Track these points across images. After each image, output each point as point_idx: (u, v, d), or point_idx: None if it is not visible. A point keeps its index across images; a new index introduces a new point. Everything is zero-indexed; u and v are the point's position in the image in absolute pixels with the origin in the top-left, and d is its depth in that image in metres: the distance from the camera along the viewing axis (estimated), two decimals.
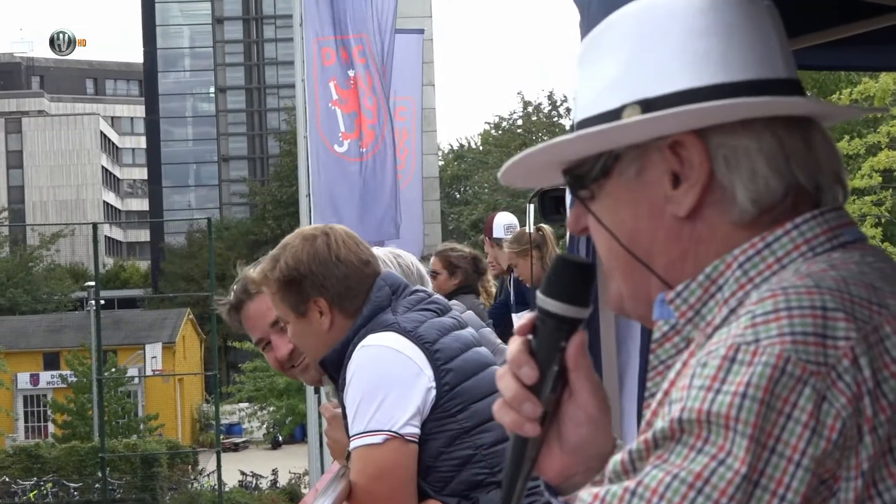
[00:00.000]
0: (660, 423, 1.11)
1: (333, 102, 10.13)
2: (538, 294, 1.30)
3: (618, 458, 1.15)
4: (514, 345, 1.30)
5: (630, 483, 1.10)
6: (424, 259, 7.30)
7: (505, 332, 6.21)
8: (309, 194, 10.22)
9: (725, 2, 1.27)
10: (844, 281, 1.14)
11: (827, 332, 1.08)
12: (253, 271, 3.11)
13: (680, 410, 1.09)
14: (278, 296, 2.95)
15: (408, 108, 12.08)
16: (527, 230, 6.88)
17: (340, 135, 10.10)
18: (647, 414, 1.24)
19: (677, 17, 1.27)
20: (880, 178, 21.45)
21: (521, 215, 5.35)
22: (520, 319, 5.37)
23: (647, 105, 1.24)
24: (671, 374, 1.18)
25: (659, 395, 1.17)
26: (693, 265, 1.25)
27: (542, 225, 6.50)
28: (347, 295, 2.90)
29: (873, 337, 1.10)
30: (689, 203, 1.24)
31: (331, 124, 10.10)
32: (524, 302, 6.95)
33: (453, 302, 3.57)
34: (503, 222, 7.59)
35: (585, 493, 1.14)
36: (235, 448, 43.61)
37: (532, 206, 5.26)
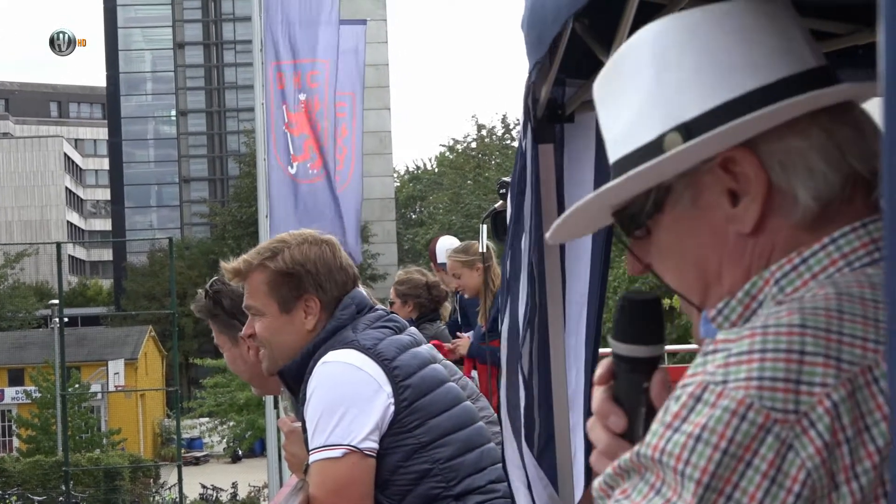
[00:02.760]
0: (626, 455, 1.09)
1: (285, 125, 10.32)
2: (611, 340, 1.25)
3: (598, 480, 1.14)
4: (598, 394, 1.26)
5: None
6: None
7: None
8: (268, 215, 10.32)
9: (737, 6, 1.22)
10: (840, 316, 1.06)
11: (802, 377, 1.02)
12: (233, 262, 3.01)
13: (643, 445, 1.07)
14: (268, 286, 2.91)
15: (348, 104, 11.43)
16: (474, 243, 6.66)
17: (291, 157, 10.32)
18: None
19: (693, 33, 1.21)
20: None
21: (476, 235, 5.56)
22: (461, 339, 6.57)
23: (687, 129, 1.19)
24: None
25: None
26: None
27: (488, 244, 5.98)
28: (337, 303, 2.91)
29: (861, 379, 1.02)
30: (753, 217, 1.18)
31: (283, 147, 10.33)
32: (468, 322, 6.87)
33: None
34: (445, 246, 7.29)
35: None
36: (196, 462, 43.50)
37: (485, 226, 5.33)
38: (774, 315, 1.08)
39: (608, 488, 1.12)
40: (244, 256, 2.97)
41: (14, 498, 31.57)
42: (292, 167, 10.27)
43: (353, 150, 11.73)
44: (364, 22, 12.38)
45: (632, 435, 1.24)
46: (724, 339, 1.08)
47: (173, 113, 78.35)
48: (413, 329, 3.05)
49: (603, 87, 1.30)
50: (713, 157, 1.19)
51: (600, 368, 1.27)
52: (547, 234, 1.38)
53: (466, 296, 6.83)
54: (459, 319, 7.07)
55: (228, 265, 2.99)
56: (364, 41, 12.10)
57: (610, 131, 1.28)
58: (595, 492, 1.16)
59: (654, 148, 1.21)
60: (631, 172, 1.20)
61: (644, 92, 1.23)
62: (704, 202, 1.21)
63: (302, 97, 10.37)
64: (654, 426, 1.07)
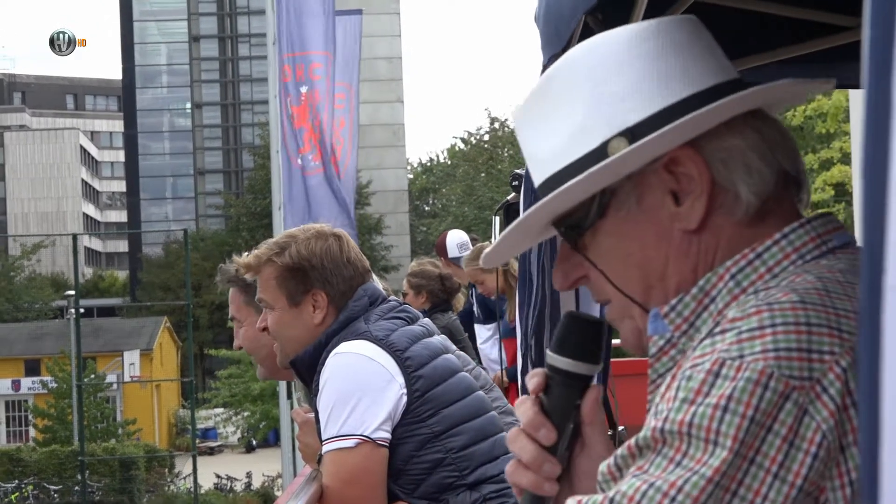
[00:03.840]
0: (643, 431, 1.11)
1: (290, 118, 10.36)
2: (548, 353, 1.28)
3: (605, 462, 1.16)
4: (527, 405, 1.28)
5: (610, 492, 1.10)
6: None
7: (469, 339, 6.76)
8: (281, 206, 10.39)
9: (665, 23, 1.29)
10: (829, 294, 1.13)
11: (812, 346, 1.08)
12: (245, 257, 3.05)
13: (663, 421, 1.09)
14: (277, 281, 2.94)
15: (346, 96, 11.23)
16: (485, 245, 6.72)
17: (298, 150, 10.34)
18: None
19: (628, 47, 1.26)
20: (833, 192, 21.77)
21: (488, 227, 5.51)
22: (486, 331, 6.64)
23: (631, 133, 1.22)
24: (661, 389, 1.17)
25: (651, 407, 1.16)
26: (701, 277, 1.24)
27: None
28: (347, 296, 2.94)
29: None
30: (699, 214, 1.22)
31: (291, 139, 10.37)
32: (491, 315, 6.88)
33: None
34: (456, 241, 7.35)
35: (570, 500, 1.15)
36: (211, 452, 43.65)
37: (498, 217, 5.37)
38: (767, 298, 1.14)
39: (617, 470, 1.15)
40: (255, 251, 3.01)
41: (30, 487, 31.75)
42: (299, 159, 10.30)
43: (349, 141, 11.63)
44: (360, 12, 12.11)
45: (556, 449, 1.27)
46: (731, 318, 1.14)
47: (188, 105, 78.53)
48: (426, 320, 3.07)
49: (530, 110, 1.32)
50: (659, 157, 1.23)
51: (535, 378, 1.30)
52: (481, 260, 1.41)
53: (493, 297, 6.83)
54: (479, 313, 7.09)
55: (241, 260, 3.05)
56: (360, 32, 11.96)
57: (540, 149, 1.31)
58: (601, 475, 1.17)
59: (598, 154, 1.24)
60: (580, 177, 1.23)
61: (583, 105, 1.26)
62: (649, 203, 1.25)
63: (304, 90, 10.40)
64: (673, 404, 1.11)
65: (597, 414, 1.29)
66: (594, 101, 1.25)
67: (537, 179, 1.32)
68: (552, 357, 1.28)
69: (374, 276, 3.17)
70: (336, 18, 10.57)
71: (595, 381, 1.30)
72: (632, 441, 1.13)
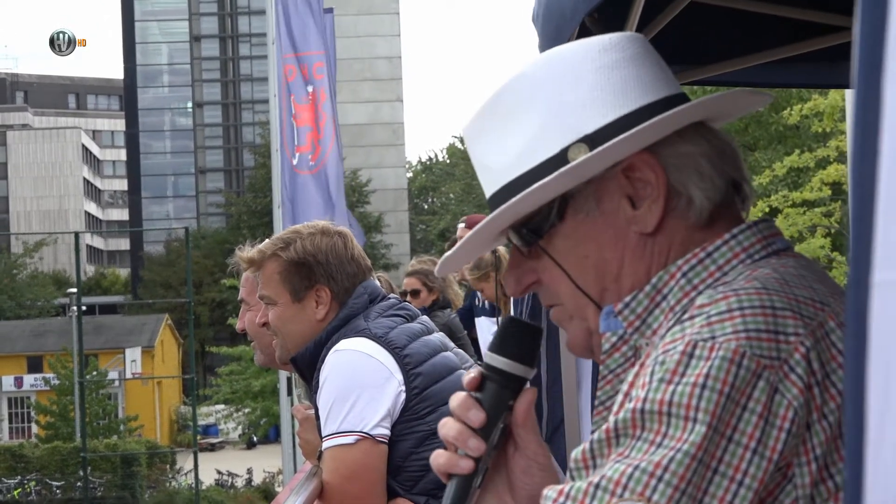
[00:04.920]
0: (622, 414, 1.12)
1: (293, 117, 10.37)
2: (486, 352, 1.31)
3: (579, 449, 1.16)
4: (460, 395, 1.30)
5: (594, 478, 1.11)
6: None
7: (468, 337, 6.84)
8: (280, 205, 10.38)
9: (621, 38, 1.32)
10: (787, 283, 1.17)
11: (778, 328, 1.12)
12: (250, 249, 3.05)
13: (642, 401, 1.11)
14: (281, 276, 2.94)
15: (324, 64, 10.76)
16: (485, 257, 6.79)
17: (295, 148, 10.37)
18: (600, 420, 1.31)
19: (587, 58, 1.29)
20: (829, 191, 21.45)
21: None
22: (492, 324, 6.65)
23: (591, 140, 1.26)
24: (629, 377, 1.19)
25: (619, 398, 1.18)
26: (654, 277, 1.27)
27: (497, 247, 6.68)
28: (349, 293, 2.94)
29: (819, 332, 1.13)
30: (656, 218, 1.26)
31: (290, 138, 10.39)
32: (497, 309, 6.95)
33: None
34: None
35: (550, 491, 1.14)
36: (212, 448, 43.86)
37: None
38: (731, 286, 1.19)
39: (591, 458, 1.16)
40: (259, 246, 3.01)
41: (33, 483, 31.95)
42: (295, 157, 10.32)
43: (332, 140, 11.28)
44: (331, 10, 11.59)
45: (485, 440, 1.29)
46: (699, 305, 1.18)
47: (189, 105, 78.65)
48: (425, 317, 3.07)
49: (482, 124, 1.35)
50: (618, 163, 1.27)
51: (472, 373, 1.32)
52: (436, 269, 1.44)
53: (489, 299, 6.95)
54: (487, 308, 7.08)
55: (244, 254, 3.04)
56: (333, 31, 11.55)
57: (494, 160, 1.33)
58: (573, 462, 1.17)
59: (557, 160, 1.27)
60: (546, 179, 1.26)
61: (540, 115, 1.29)
62: (606, 207, 1.29)
63: (310, 89, 10.42)
64: (649, 386, 1.12)
65: (529, 416, 1.30)
66: (552, 111, 1.29)
67: (489, 190, 1.34)
68: (490, 356, 1.31)
69: (375, 274, 3.15)
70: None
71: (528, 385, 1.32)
72: (609, 424, 1.14)
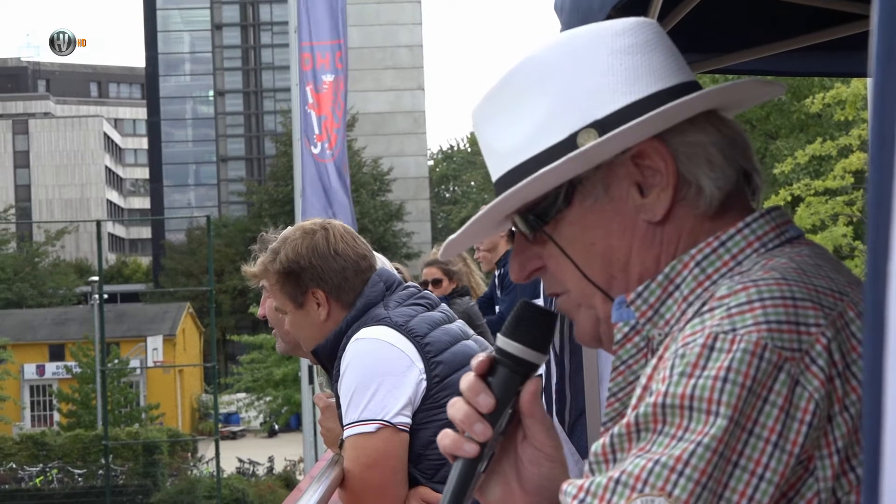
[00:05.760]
0: (642, 408, 1.11)
1: (309, 105, 10.45)
2: (499, 336, 1.29)
3: (599, 442, 1.15)
4: (470, 377, 1.29)
5: (614, 472, 1.10)
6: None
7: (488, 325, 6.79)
8: (301, 193, 10.48)
9: (634, 23, 1.30)
10: (805, 273, 1.16)
11: (799, 319, 1.10)
12: (252, 265, 3.10)
13: (663, 395, 1.09)
14: (278, 287, 2.98)
15: (343, 54, 10.89)
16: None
17: (315, 136, 10.46)
18: (612, 412, 1.29)
19: (599, 42, 1.28)
20: (852, 179, 21.49)
21: None
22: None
23: (601, 125, 1.24)
24: (647, 369, 1.18)
25: (638, 391, 1.16)
26: (664, 266, 1.26)
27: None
28: (344, 287, 2.94)
29: (840, 322, 1.12)
30: (665, 206, 1.25)
31: (309, 126, 10.48)
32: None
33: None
34: None
35: (570, 487, 1.13)
36: (233, 436, 43.93)
37: None
38: (749, 276, 1.18)
39: (611, 451, 1.14)
40: (260, 258, 3.05)
41: (55, 471, 32.05)
42: (316, 146, 10.39)
43: (343, 129, 11.52)
44: None
45: (493, 424, 1.27)
46: (719, 297, 1.16)
47: (211, 93, 78.88)
48: (445, 306, 3.09)
49: (491, 106, 1.33)
50: (627, 149, 1.25)
51: (481, 356, 1.30)
52: (440, 252, 1.45)
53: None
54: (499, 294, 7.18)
55: (248, 270, 3.10)
56: (345, 20, 11.56)
57: (502, 143, 1.32)
58: (593, 456, 1.16)
59: (566, 145, 1.26)
60: (555, 164, 1.24)
61: (550, 98, 1.27)
62: (615, 194, 1.27)
63: (329, 77, 10.49)
64: (670, 380, 1.11)
65: (535, 405, 1.29)
66: (562, 95, 1.27)
67: (496, 173, 1.33)
68: (502, 340, 1.29)
69: (384, 258, 3.06)
70: None
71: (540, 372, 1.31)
72: (630, 418, 1.12)
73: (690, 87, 1.29)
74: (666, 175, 1.25)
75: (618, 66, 1.27)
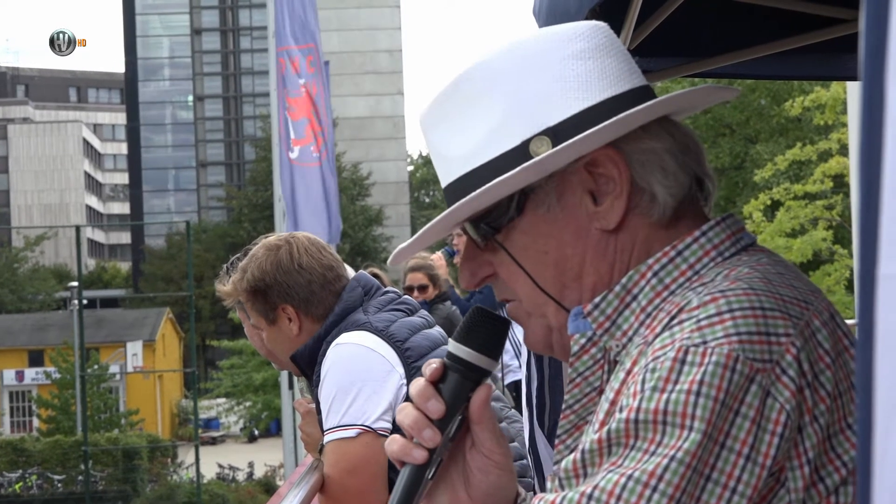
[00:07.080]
0: (614, 424, 1.10)
1: (287, 110, 10.55)
2: (451, 341, 1.28)
3: (569, 458, 1.14)
4: (421, 382, 1.26)
5: (586, 488, 1.08)
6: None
7: None
8: (281, 198, 10.71)
9: (586, 27, 1.28)
10: (771, 282, 1.15)
11: (769, 329, 1.09)
12: (224, 282, 3.09)
13: (635, 411, 1.08)
14: (251, 305, 3.00)
15: (315, 58, 10.97)
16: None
17: (291, 141, 10.51)
18: (567, 425, 1.28)
19: (550, 47, 1.26)
20: (831, 183, 21.85)
21: None
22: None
23: (554, 133, 1.22)
24: (615, 384, 1.16)
25: (605, 406, 1.15)
26: (619, 275, 1.24)
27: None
28: (312, 300, 2.94)
29: (807, 331, 1.11)
30: (618, 214, 1.23)
31: (286, 131, 10.56)
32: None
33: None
34: None
35: (540, 502, 1.12)
36: (213, 442, 43.79)
37: None
38: (717, 286, 1.16)
39: (581, 467, 1.13)
40: (232, 276, 3.04)
41: (34, 477, 31.87)
42: (293, 151, 10.41)
43: (329, 132, 11.63)
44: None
45: (441, 430, 1.25)
46: (687, 310, 1.15)
47: (190, 98, 78.79)
48: (424, 311, 3.09)
49: (440, 111, 1.30)
50: (581, 157, 1.24)
51: (433, 363, 1.27)
52: (389, 259, 1.43)
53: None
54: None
55: (221, 288, 3.08)
56: (318, 24, 11.65)
57: (451, 149, 1.29)
58: (563, 472, 1.15)
59: (518, 152, 1.24)
60: (508, 174, 1.22)
61: (502, 104, 1.25)
62: (568, 202, 1.25)
63: (301, 81, 10.50)
64: (642, 395, 1.10)
65: (485, 412, 1.25)
66: (513, 101, 1.25)
67: (446, 179, 1.31)
68: (454, 346, 1.28)
69: (349, 268, 3.11)
70: None
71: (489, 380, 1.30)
72: (601, 434, 1.11)
73: (643, 92, 1.28)
74: (619, 183, 1.24)
75: (569, 71, 1.25)
